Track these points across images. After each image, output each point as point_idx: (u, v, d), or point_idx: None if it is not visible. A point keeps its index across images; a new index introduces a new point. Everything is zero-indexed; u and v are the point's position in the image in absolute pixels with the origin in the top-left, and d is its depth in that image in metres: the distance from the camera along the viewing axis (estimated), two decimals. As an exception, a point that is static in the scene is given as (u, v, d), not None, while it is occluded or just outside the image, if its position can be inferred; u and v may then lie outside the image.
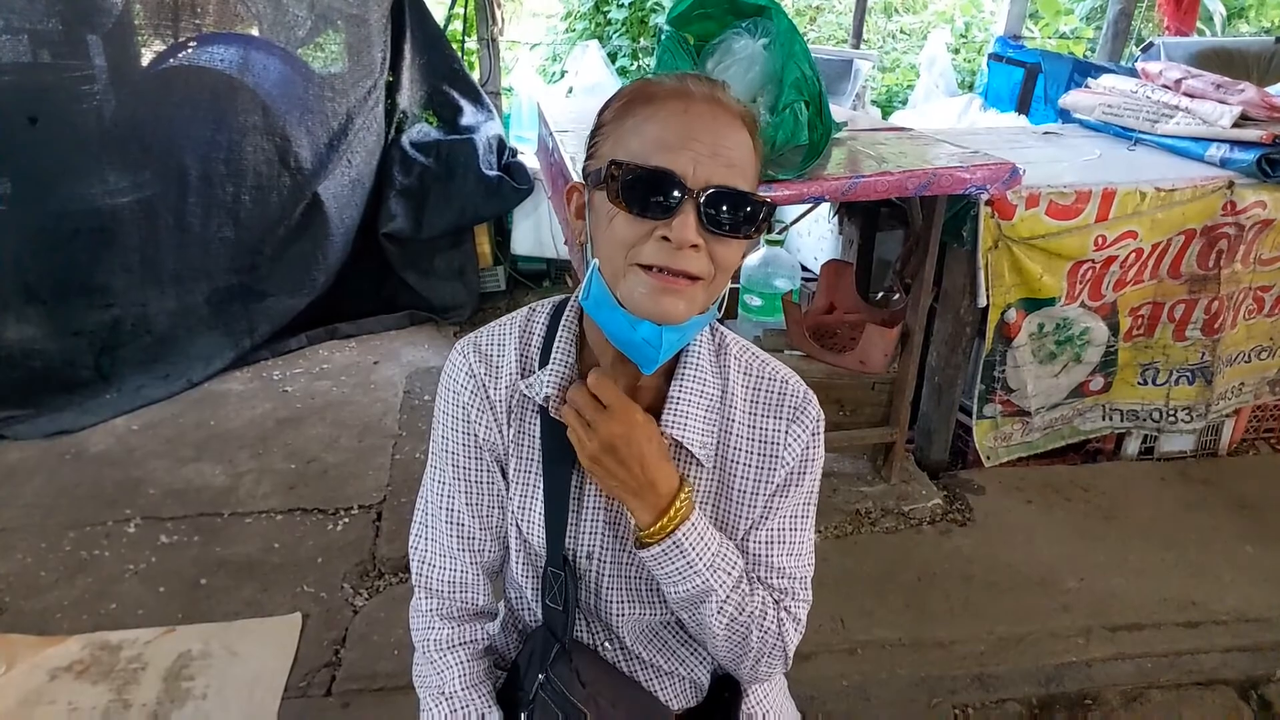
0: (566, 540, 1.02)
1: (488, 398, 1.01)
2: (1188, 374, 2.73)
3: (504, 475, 1.04)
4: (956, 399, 2.67)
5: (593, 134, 0.93)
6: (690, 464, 0.99)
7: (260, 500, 2.52)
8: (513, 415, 1.01)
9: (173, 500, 2.51)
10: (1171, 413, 2.78)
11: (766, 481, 1.00)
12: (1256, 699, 1.96)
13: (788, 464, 0.99)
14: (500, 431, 1.02)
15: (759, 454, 1.00)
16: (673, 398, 0.96)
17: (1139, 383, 2.75)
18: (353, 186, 3.52)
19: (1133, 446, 2.88)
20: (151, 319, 3.10)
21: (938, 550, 2.37)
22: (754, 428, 1.00)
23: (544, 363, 0.99)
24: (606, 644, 1.09)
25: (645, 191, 0.84)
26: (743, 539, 1.02)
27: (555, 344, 0.98)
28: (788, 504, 1.02)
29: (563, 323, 0.99)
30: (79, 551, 2.28)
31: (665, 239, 0.84)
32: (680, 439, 0.96)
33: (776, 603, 1.01)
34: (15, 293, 2.86)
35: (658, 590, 1.03)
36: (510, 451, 1.02)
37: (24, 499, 2.50)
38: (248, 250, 3.27)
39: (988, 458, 2.70)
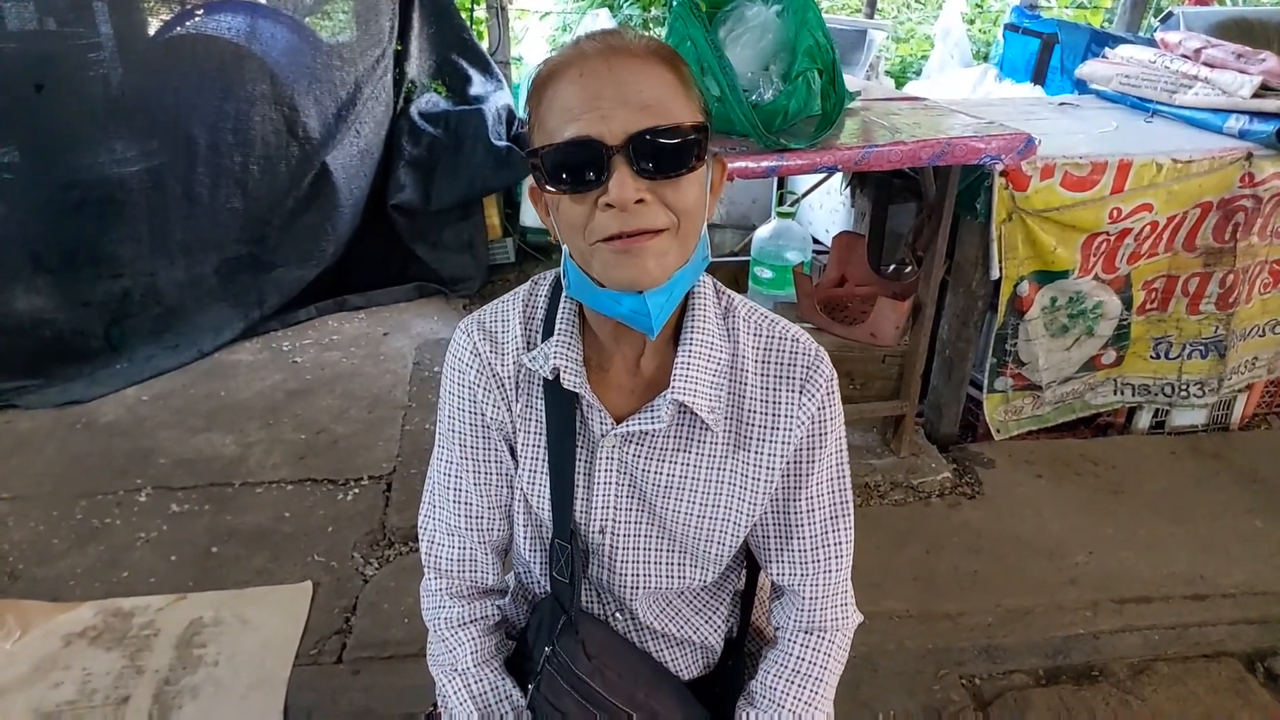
0: (577, 514, 1.01)
1: (494, 374, 1.00)
2: (1201, 348, 2.71)
3: (512, 452, 1.03)
4: (967, 372, 2.65)
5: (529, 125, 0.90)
6: (699, 429, 0.98)
7: (270, 470, 2.54)
8: (520, 390, 1.00)
9: (183, 470, 2.52)
10: (1184, 387, 2.76)
11: (782, 444, 0.98)
12: (1263, 671, 1.96)
13: (803, 426, 0.98)
14: (508, 408, 1.01)
15: (772, 417, 0.98)
16: (679, 363, 0.94)
17: (1151, 357, 2.73)
18: (361, 157, 3.50)
19: (1144, 421, 2.86)
20: (161, 289, 3.10)
21: (946, 523, 2.37)
22: (766, 390, 0.98)
23: (547, 335, 0.97)
24: (617, 614, 1.09)
25: (569, 168, 0.81)
26: (781, 511, 1.02)
27: (558, 315, 0.97)
28: (817, 471, 1.01)
29: (561, 298, 0.98)
30: (90, 520, 2.30)
31: (610, 205, 0.81)
32: (690, 403, 0.94)
33: (824, 607, 1.06)
34: (24, 262, 2.87)
35: (673, 559, 1.03)
36: (518, 426, 1.01)
37: (35, 468, 2.52)
38: (256, 220, 3.26)
39: (998, 431, 2.69)
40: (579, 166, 0.81)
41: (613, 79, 0.81)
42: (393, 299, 3.67)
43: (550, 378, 0.96)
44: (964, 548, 2.28)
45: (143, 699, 1.76)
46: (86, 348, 2.99)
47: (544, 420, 0.99)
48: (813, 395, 0.98)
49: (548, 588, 1.07)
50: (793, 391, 0.98)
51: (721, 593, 1.13)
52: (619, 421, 0.97)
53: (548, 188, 0.84)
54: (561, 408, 0.97)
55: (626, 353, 0.97)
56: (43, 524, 2.29)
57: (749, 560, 1.15)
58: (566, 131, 0.81)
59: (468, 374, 1.01)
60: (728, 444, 0.99)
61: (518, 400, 1.00)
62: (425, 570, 1.09)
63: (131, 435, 2.69)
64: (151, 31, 3.06)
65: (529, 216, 3.98)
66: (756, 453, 0.99)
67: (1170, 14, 4.15)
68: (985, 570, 2.21)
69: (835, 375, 1.00)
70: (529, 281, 1.04)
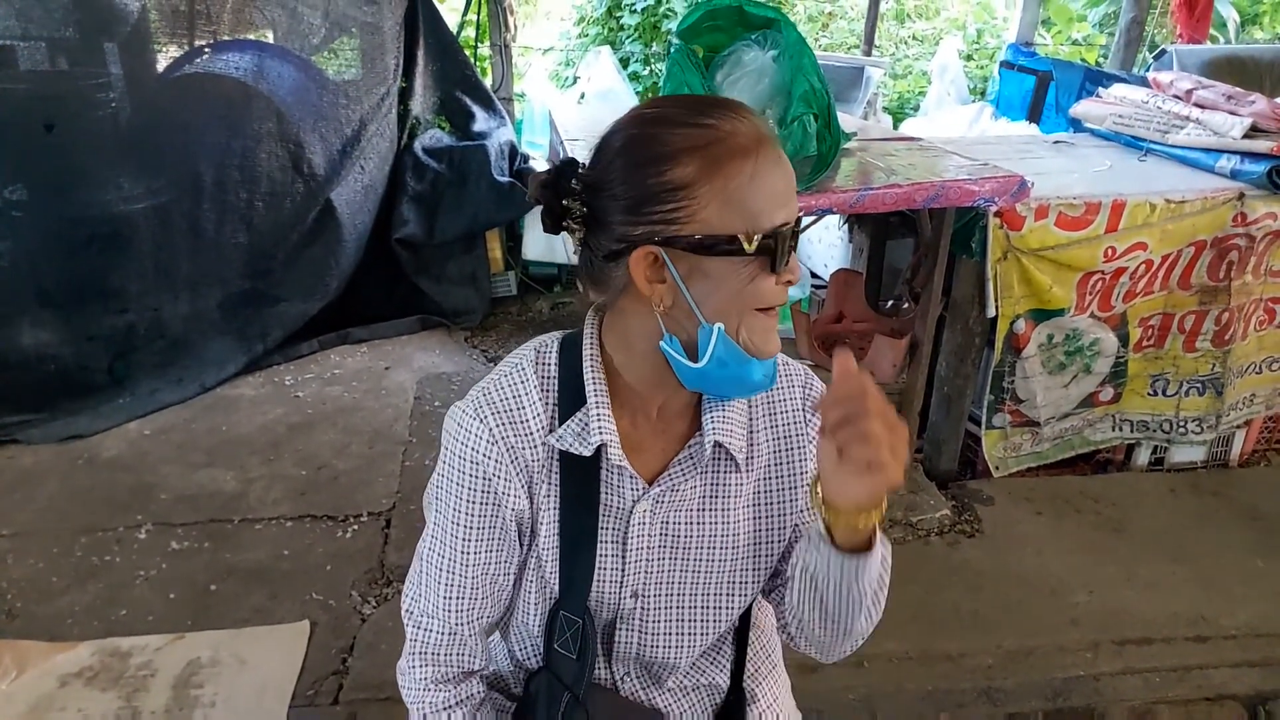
0: (608, 584, 0.99)
1: (519, 462, 0.94)
2: (1198, 385, 2.72)
3: (521, 535, 0.99)
4: (965, 409, 2.66)
5: (660, 195, 0.83)
6: (727, 469, 0.99)
7: (271, 506, 2.54)
8: (545, 469, 0.95)
9: (184, 506, 2.53)
10: (1182, 424, 2.76)
11: (800, 472, 1.01)
12: (1265, 714, 1.95)
13: (810, 454, 1.01)
14: (529, 494, 0.96)
15: (784, 440, 1.01)
16: (709, 404, 0.96)
17: (1149, 393, 2.74)
18: (365, 192, 3.54)
19: (1143, 457, 2.86)
20: (165, 323, 3.13)
21: (946, 562, 2.36)
22: (772, 421, 1.01)
23: (568, 408, 0.94)
24: (626, 677, 1.08)
25: (786, 249, 0.85)
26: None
27: (589, 386, 0.93)
28: None
29: (587, 363, 0.94)
30: (90, 557, 2.31)
31: (790, 283, 0.88)
32: (726, 443, 0.95)
33: None
34: (31, 297, 2.89)
35: (707, 609, 1.03)
36: (541, 506, 0.97)
37: (37, 503, 2.53)
38: (261, 255, 3.29)
39: (997, 468, 2.69)
40: (789, 248, 0.86)
41: (786, 166, 0.88)
42: (395, 331, 3.69)
43: (589, 455, 0.93)
44: (964, 587, 2.28)
45: (138, 741, 1.75)
46: (90, 382, 3.00)
47: (558, 494, 0.96)
48: (815, 421, 1.01)
49: (542, 661, 1.05)
50: (797, 419, 1.01)
51: (729, 631, 1.14)
52: (650, 483, 0.97)
53: (762, 266, 0.85)
54: (582, 481, 0.95)
55: (665, 412, 0.97)
56: (42, 561, 2.29)
57: None
58: (779, 215, 0.85)
59: (484, 465, 0.93)
60: (753, 476, 1.01)
61: (545, 480, 0.96)
62: (408, 654, 1.04)
63: (133, 470, 2.70)
64: (160, 70, 3.11)
65: (531, 250, 4.02)
66: (778, 490, 1.01)
67: (1164, 51, 4.22)
68: (985, 610, 2.20)
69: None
70: (529, 351, 0.98)
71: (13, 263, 2.85)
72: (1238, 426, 2.85)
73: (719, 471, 0.99)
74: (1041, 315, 2.49)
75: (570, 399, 0.94)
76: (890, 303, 2.75)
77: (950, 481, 2.72)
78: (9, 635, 2.02)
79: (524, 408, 0.94)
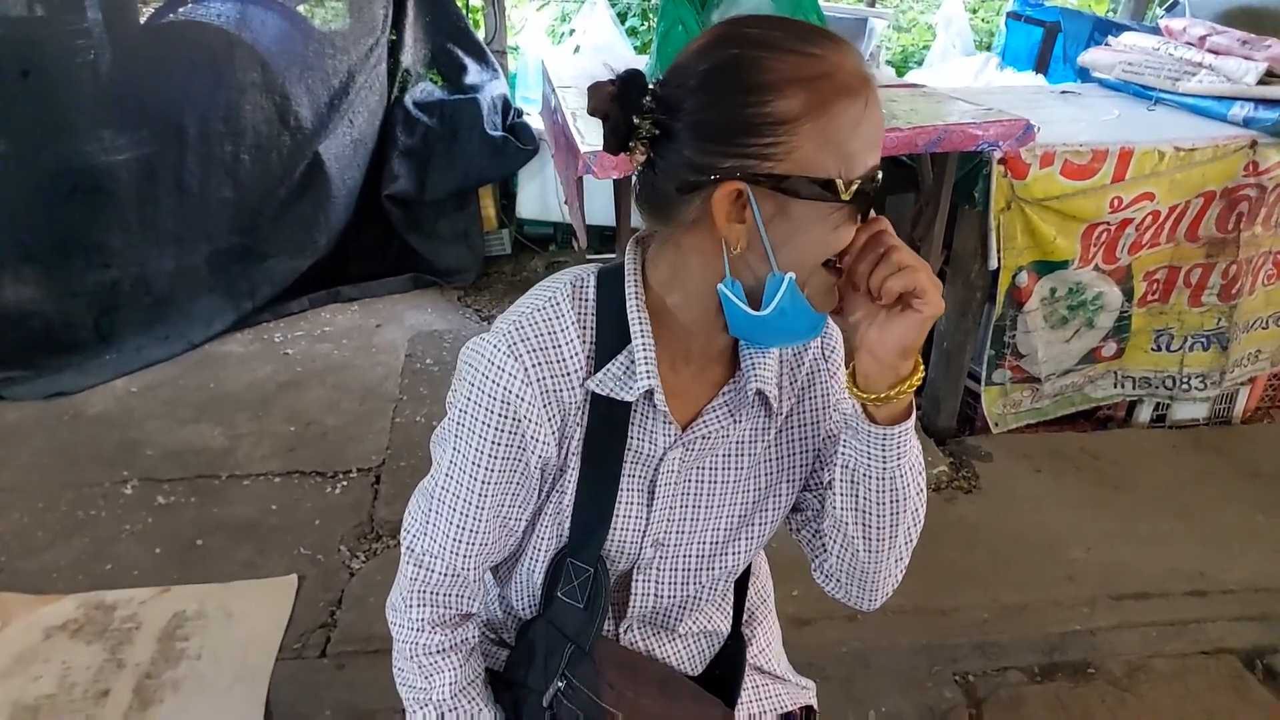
0: (631, 532, 0.95)
1: (558, 405, 0.87)
2: (1203, 340, 2.67)
3: (544, 481, 0.93)
4: (965, 364, 2.62)
5: (759, 127, 0.76)
6: (762, 414, 0.96)
7: (259, 462, 2.51)
8: (581, 415, 0.89)
9: (171, 461, 2.50)
10: (1185, 380, 2.72)
11: (822, 410, 0.99)
12: (1261, 668, 1.93)
13: (825, 369, 0.99)
14: (560, 440, 0.89)
15: (807, 393, 0.99)
16: (748, 349, 0.93)
17: (1152, 349, 2.69)
18: (355, 147, 3.46)
19: (1144, 414, 2.82)
20: (151, 280, 3.07)
21: (943, 517, 2.34)
22: (799, 360, 0.98)
23: (608, 351, 0.87)
24: (631, 627, 1.04)
25: (874, 197, 0.79)
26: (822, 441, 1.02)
27: (634, 328, 0.86)
28: (840, 382, 1.01)
29: (631, 300, 0.87)
30: (76, 512, 2.28)
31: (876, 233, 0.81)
32: (765, 390, 0.92)
33: None
34: (12, 252, 2.84)
35: (724, 553, 1.00)
36: (570, 450, 0.91)
37: (21, 459, 2.50)
38: (248, 211, 3.22)
39: (996, 424, 2.66)
40: (876, 195, 0.80)
41: (878, 110, 0.80)
42: (386, 290, 3.63)
43: (629, 400, 0.87)
44: (960, 543, 2.25)
45: (122, 693, 1.73)
46: (75, 338, 2.95)
47: (582, 439, 0.90)
48: (836, 362, 1.00)
49: (538, 608, 1.01)
50: (816, 355, 0.99)
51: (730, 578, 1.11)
52: (684, 429, 0.93)
53: (851, 211, 0.79)
54: (612, 426, 0.89)
55: (703, 356, 0.92)
56: (27, 516, 2.26)
57: None
58: (869, 159, 0.78)
59: (516, 406, 0.85)
60: (778, 421, 0.98)
61: (581, 425, 0.89)
62: (406, 592, 0.97)
63: (119, 427, 2.67)
64: (141, 19, 3.03)
65: (526, 208, 3.95)
66: (800, 423, 0.99)
67: (1176, 2, 4.09)
68: (981, 565, 2.17)
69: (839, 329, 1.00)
70: (565, 283, 0.90)
71: (-8, 215, 2.79)
72: (1242, 383, 2.80)
73: (753, 417, 0.95)
74: (1045, 268, 2.44)
75: (611, 338, 0.87)
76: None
77: (949, 438, 2.68)
78: (-7, 589, 2.00)
79: (561, 345, 0.86)
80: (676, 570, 0.99)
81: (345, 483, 2.43)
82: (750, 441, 0.97)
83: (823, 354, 0.99)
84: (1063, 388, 2.69)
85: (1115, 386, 2.75)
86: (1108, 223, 2.40)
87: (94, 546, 2.16)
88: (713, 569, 1.01)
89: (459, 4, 3.94)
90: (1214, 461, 2.64)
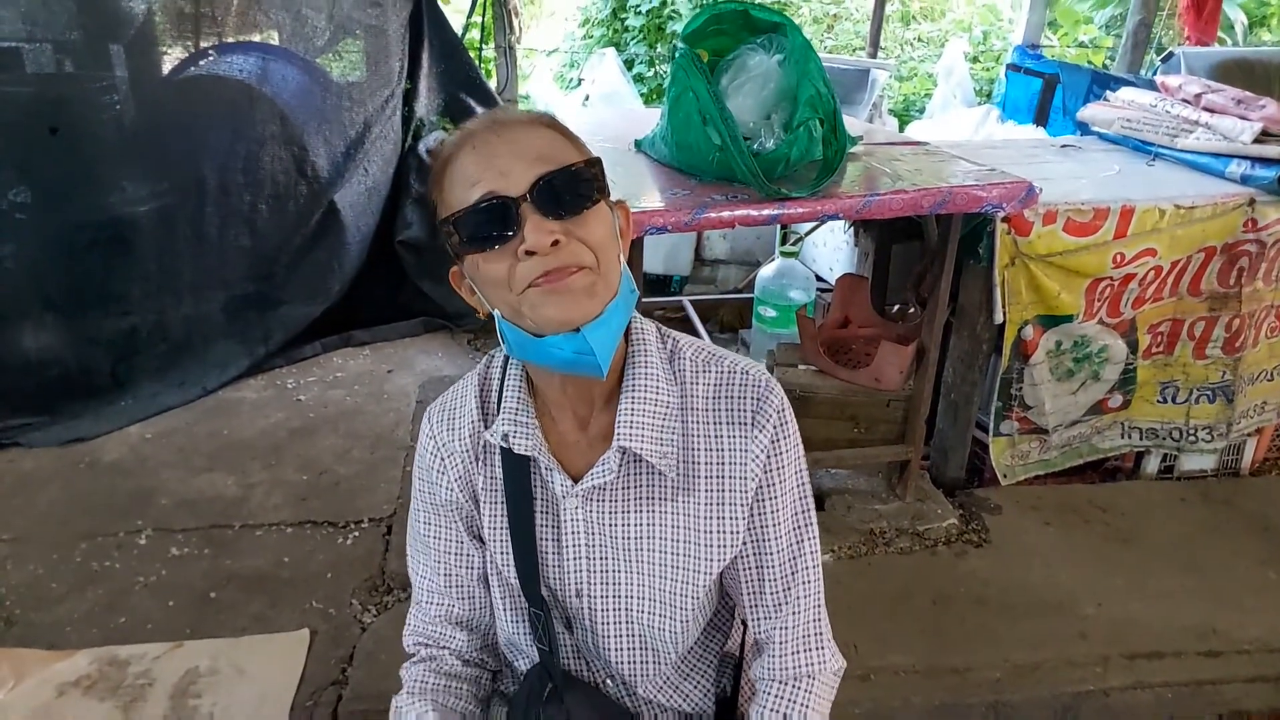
0: (551, 579, 1.02)
1: (451, 456, 1.03)
2: (1208, 393, 2.69)
3: (472, 532, 1.07)
4: (973, 416, 2.63)
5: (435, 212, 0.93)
6: (655, 477, 0.97)
7: (271, 512, 2.53)
8: (481, 464, 1.03)
9: (184, 511, 2.52)
10: (1192, 432, 2.73)
11: (741, 480, 0.98)
12: (1279, 731, 1.92)
13: (758, 461, 0.98)
14: (463, 488, 1.04)
15: (728, 453, 0.98)
16: (622, 409, 0.95)
17: (1158, 401, 2.71)
18: (369, 194, 3.52)
19: (1152, 465, 2.83)
20: (168, 327, 3.12)
21: (953, 572, 2.34)
22: (719, 427, 0.97)
23: (500, 410, 1.00)
24: (608, 681, 1.08)
25: (483, 226, 0.84)
26: (752, 551, 1.01)
27: (506, 383, 1.00)
28: (779, 504, 1.00)
29: (508, 368, 1.01)
30: (90, 563, 2.29)
31: (530, 253, 0.83)
32: (637, 449, 0.94)
33: (804, 650, 1.04)
34: (33, 301, 2.88)
35: (654, 618, 1.02)
36: (482, 499, 1.04)
37: (38, 508, 2.52)
38: (264, 259, 3.28)
39: (1004, 475, 2.66)
40: (491, 223, 0.84)
41: (507, 140, 0.86)
42: (398, 334, 3.67)
43: (503, 445, 0.97)
44: (971, 599, 2.25)
45: (136, 751, 1.73)
46: (92, 385, 2.99)
47: (503, 488, 1.01)
48: (763, 428, 0.97)
49: (535, 657, 1.06)
50: (744, 426, 0.97)
51: (708, 654, 1.12)
52: (576, 481, 0.97)
53: (467, 251, 0.86)
54: (517, 474, 0.99)
55: (578, 409, 0.98)
56: (42, 567, 2.27)
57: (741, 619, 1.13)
58: (471, 196, 0.84)
59: (429, 464, 1.05)
60: (686, 489, 0.98)
61: (479, 474, 1.03)
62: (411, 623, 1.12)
63: (134, 475, 2.69)
64: (165, 72, 3.10)
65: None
66: (718, 492, 0.98)
67: (1171, 54, 4.17)
68: (993, 623, 2.17)
69: (788, 404, 0.99)
70: (483, 361, 1.07)
71: (16, 265, 2.84)
72: (1248, 435, 2.81)
73: (645, 477, 0.98)
74: (1049, 321, 2.47)
75: (504, 401, 1.00)
76: (896, 308, 2.72)
77: (957, 489, 2.69)
78: (7, 643, 2.01)
79: (458, 411, 1.04)
80: (609, 625, 1.02)
81: (356, 533, 2.44)
82: (655, 501, 0.98)
83: (750, 426, 0.97)
84: (1070, 439, 2.70)
85: (1122, 437, 2.76)
86: (1111, 278, 2.43)
87: (108, 598, 2.17)
88: (651, 635, 1.03)
89: (472, 55, 4.04)
90: (1223, 514, 2.64)
